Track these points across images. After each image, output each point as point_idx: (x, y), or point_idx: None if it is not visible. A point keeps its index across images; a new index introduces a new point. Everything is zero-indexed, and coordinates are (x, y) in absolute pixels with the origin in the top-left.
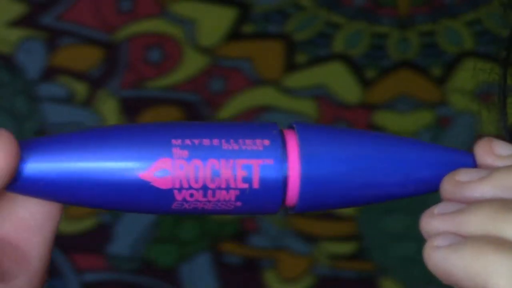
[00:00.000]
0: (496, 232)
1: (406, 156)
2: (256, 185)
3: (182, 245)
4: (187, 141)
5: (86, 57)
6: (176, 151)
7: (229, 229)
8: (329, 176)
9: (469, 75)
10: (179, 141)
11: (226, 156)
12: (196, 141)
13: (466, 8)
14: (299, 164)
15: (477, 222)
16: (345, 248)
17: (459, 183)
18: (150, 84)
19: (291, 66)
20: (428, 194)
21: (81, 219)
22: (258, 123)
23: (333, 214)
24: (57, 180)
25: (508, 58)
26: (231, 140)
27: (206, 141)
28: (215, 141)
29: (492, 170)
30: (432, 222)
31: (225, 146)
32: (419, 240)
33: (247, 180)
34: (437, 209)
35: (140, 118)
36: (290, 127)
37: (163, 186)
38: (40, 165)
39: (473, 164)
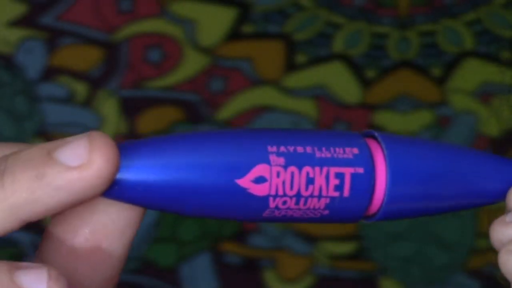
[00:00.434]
0: None
1: (479, 167)
2: (346, 193)
3: (182, 245)
4: (282, 148)
5: (86, 57)
6: (273, 158)
7: (229, 229)
8: (412, 186)
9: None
10: (274, 148)
11: (320, 164)
12: (291, 149)
13: (466, 8)
14: (385, 173)
15: None
16: (345, 248)
17: None
18: (150, 84)
19: (291, 66)
20: None
21: None
22: (342, 131)
23: None
24: (155, 186)
25: None
26: (323, 148)
27: (300, 149)
28: (308, 149)
29: None
30: (505, 230)
31: (318, 154)
32: (419, 240)
33: (339, 188)
34: (508, 217)
35: (140, 118)
36: (368, 135)
37: (259, 193)
38: (138, 171)
39: None
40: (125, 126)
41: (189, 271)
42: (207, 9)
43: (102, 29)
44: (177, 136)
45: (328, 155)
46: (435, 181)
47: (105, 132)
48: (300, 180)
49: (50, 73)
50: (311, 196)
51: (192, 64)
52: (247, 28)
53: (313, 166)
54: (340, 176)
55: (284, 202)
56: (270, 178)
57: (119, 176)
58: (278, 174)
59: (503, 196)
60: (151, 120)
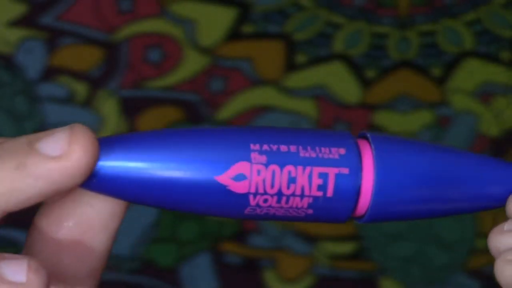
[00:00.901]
0: None
1: (477, 172)
2: (330, 193)
3: (182, 245)
4: (265, 146)
5: (86, 57)
6: (254, 156)
7: (229, 229)
8: (401, 188)
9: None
10: (257, 146)
11: (303, 163)
12: (274, 147)
13: (466, 8)
14: (373, 175)
15: None
16: (345, 248)
17: None
18: (150, 84)
19: (291, 66)
20: None
21: None
22: (332, 131)
23: None
24: (134, 179)
25: None
26: (308, 147)
27: (283, 148)
28: (293, 148)
29: None
30: (503, 238)
31: (302, 153)
32: (419, 240)
33: (322, 188)
34: (506, 226)
35: (140, 118)
36: (362, 136)
37: (239, 190)
38: (117, 164)
39: None
40: (125, 126)
41: (189, 271)
42: (207, 9)
43: (102, 29)
44: (161, 131)
45: (313, 155)
46: (427, 184)
47: (106, 132)
48: (281, 179)
49: (50, 73)
50: (293, 195)
51: (192, 64)
52: (247, 28)
53: (295, 165)
54: (323, 176)
55: (265, 200)
56: (251, 175)
57: (98, 168)
58: (258, 172)
59: (501, 202)
60: (151, 120)
